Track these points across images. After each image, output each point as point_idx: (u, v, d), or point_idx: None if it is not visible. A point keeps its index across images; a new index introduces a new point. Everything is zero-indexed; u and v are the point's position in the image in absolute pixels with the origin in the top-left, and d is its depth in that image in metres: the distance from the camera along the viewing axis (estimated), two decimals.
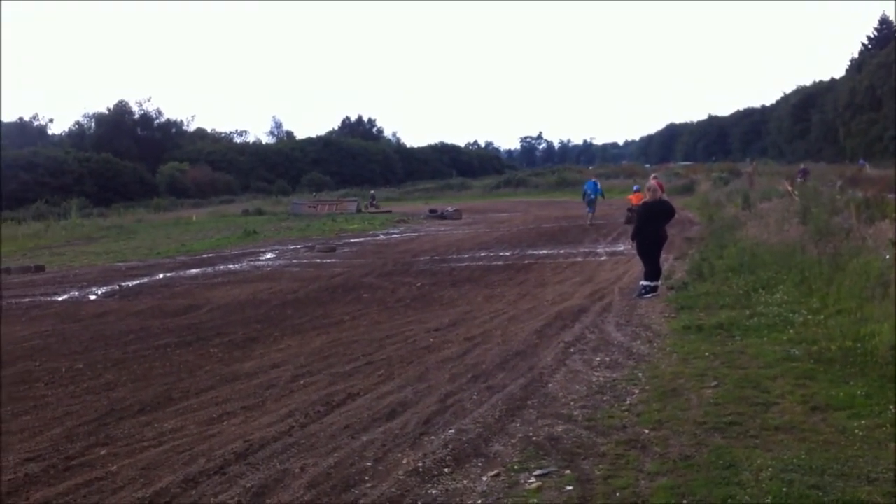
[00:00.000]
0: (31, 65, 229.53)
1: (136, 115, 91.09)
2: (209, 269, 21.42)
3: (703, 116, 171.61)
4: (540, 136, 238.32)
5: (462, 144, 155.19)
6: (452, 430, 6.78)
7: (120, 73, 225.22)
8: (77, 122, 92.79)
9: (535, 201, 54.34)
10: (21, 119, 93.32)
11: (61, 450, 6.87)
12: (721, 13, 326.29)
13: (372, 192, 58.61)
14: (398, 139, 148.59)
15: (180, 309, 14.67)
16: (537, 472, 5.73)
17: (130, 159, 77.82)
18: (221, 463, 6.25)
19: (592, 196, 31.08)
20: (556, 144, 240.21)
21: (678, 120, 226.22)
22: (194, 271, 21.11)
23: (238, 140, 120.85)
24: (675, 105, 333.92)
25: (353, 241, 29.40)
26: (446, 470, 5.89)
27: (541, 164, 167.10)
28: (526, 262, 19.87)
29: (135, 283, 19.01)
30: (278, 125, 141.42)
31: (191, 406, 8.09)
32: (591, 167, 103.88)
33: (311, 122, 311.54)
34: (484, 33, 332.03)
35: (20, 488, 5.98)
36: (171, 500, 5.60)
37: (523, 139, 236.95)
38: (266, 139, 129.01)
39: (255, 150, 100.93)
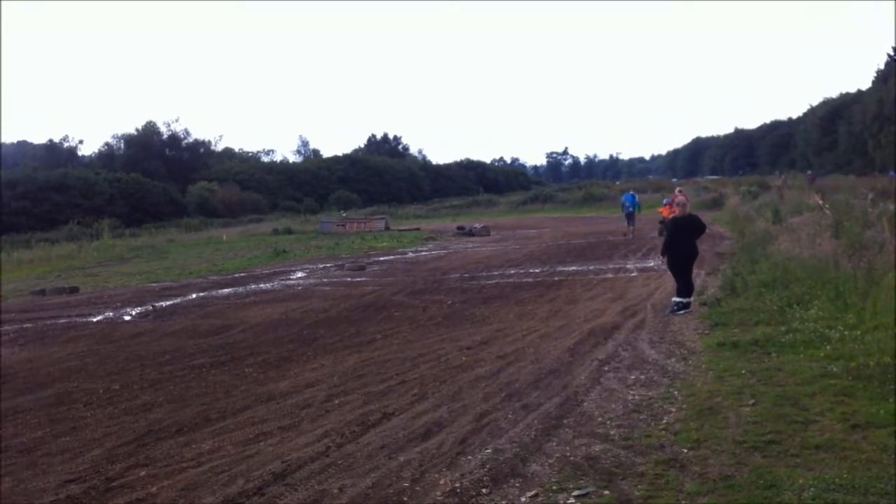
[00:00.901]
0: (62, 87, 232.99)
1: (165, 136, 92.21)
2: (241, 289, 21.58)
3: (730, 130, 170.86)
4: (566, 152, 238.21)
5: (488, 161, 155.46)
6: (489, 450, 6.77)
7: (148, 94, 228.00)
8: (106, 143, 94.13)
9: (563, 217, 54.26)
10: (51, 141, 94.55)
11: (101, 471, 6.94)
12: (746, 26, 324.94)
13: (343, 213, 58.03)
14: (424, 156, 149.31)
15: (214, 329, 14.78)
16: (576, 493, 5.70)
17: (159, 179, 78.74)
18: (260, 484, 6.29)
19: (631, 209, 31.43)
20: (583, 160, 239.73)
21: (704, 133, 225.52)
22: (226, 291, 21.27)
23: (265, 159, 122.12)
24: (701, 119, 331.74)
25: (382, 259, 29.50)
26: (484, 490, 5.89)
27: (567, 180, 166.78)
28: (556, 278, 19.83)
29: (168, 303, 19.19)
30: (305, 144, 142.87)
31: (228, 426, 8.15)
32: (618, 182, 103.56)
33: (338, 141, 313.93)
34: (508, 50, 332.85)
35: None
36: None
37: (549, 155, 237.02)
38: (293, 158, 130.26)
39: (283, 169, 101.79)
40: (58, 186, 67.81)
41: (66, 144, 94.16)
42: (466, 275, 21.99)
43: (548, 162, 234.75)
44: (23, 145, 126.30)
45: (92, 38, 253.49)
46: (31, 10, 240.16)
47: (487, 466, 6.36)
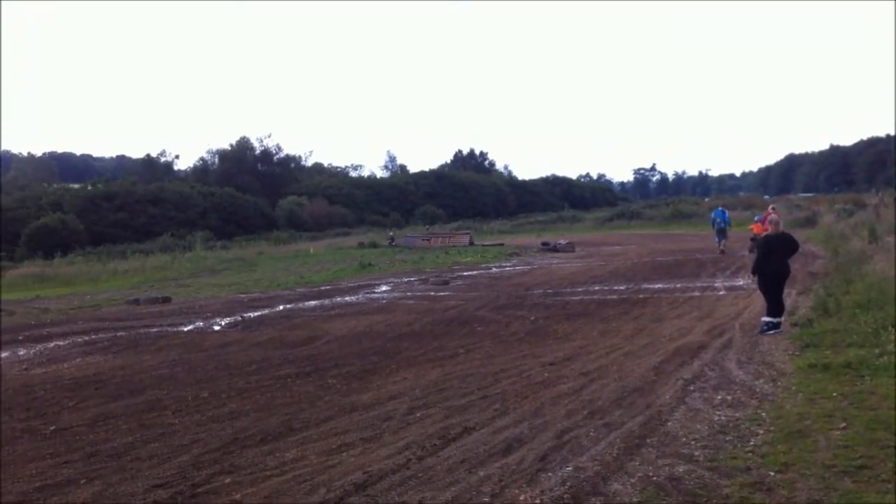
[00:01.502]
0: (160, 104, 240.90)
1: (258, 151, 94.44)
2: (327, 301, 21.89)
3: (825, 146, 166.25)
4: (654, 168, 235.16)
5: (574, 177, 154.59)
6: (570, 468, 6.71)
7: (242, 110, 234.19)
8: (201, 158, 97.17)
9: (650, 234, 53.56)
10: (149, 156, 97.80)
11: (188, 477, 7.10)
12: (841, 39, 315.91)
13: (391, 233, 57.99)
14: (510, 172, 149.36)
15: (300, 340, 15.03)
16: None
17: (251, 193, 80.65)
18: (341, 494, 6.35)
19: (722, 225, 31.01)
20: (671, 176, 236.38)
21: (798, 150, 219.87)
22: (313, 303, 21.61)
23: (353, 174, 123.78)
24: (795, 135, 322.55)
25: (465, 273, 29.56)
26: None
27: (655, 196, 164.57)
28: (641, 296, 19.57)
29: (256, 314, 19.60)
30: (392, 159, 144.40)
31: (311, 436, 8.26)
32: (707, 199, 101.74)
33: (425, 156, 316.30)
34: (595, 65, 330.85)
35: None
36: None
37: (636, 171, 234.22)
38: (380, 173, 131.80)
39: (370, 184, 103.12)
40: (154, 199, 70.17)
41: (162, 159, 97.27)
42: (550, 291, 21.87)
43: (635, 178, 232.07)
44: (122, 160, 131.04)
45: (189, 56, 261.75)
46: (131, 32, 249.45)
47: (568, 484, 6.30)
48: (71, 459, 7.79)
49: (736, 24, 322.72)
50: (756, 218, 29.93)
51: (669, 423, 7.95)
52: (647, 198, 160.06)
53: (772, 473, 6.27)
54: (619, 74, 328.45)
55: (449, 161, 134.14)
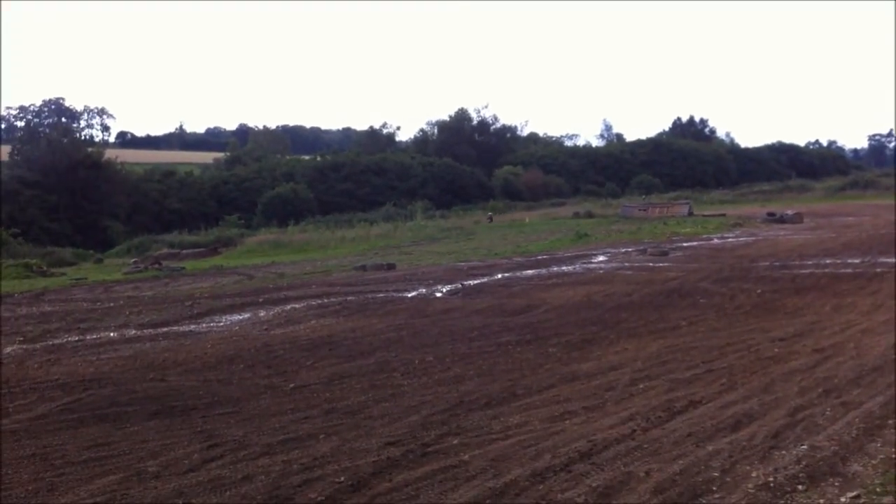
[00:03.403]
0: (383, 77, 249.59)
1: (475, 122, 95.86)
2: (543, 271, 22.00)
3: None
4: (891, 134, 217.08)
5: (802, 144, 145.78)
6: (805, 446, 6.44)
7: (460, 82, 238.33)
8: (421, 130, 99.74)
9: (887, 204, 49.79)
10: (372, 127, 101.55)
11: (418, 437, 7.38)
12: None
13: (489, 213, 55.76)
14: (732, 139, 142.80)
15: (518, 308, 15.21)
16: None
17: (469, 164, 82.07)
18: (566, 461, 6.42)
19: None
20: None
21: None
22: (530, 272, 21.78)
23: (569, 144, 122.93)
24: None
25: (685, 244, 28.79)
26: (800, 487, 5.62)
27: (892, 164, 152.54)
28: (878, 270, 18.32)
29: (475, 282, 19.99)
30: (608, 128, 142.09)
31: (534, 403, 8.38)
32: None
33: (642, 124, 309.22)
34: (825, 20, 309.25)
35: (383, 470, 6.48)
36: (521, 492, 5.83)
37: (872, 137, 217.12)
38: (596, 142, 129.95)
39: (586, 154, 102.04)
40: (377, 170, 73.15)
41: (385, 131, 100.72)
42: (777, 263, 20.91)
43: (870, 145, 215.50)
44: (347, 131, 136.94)
45: (409, 31, 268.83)
46: (352, 13, 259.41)
47: (803, 463, 6.06)
48: (310, 415, 8.29)
49: None
50: None
51: None
52: (883, 166, 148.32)
53: None
54: (851, 30, 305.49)
55: (667, 129, 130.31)
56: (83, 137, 76.19)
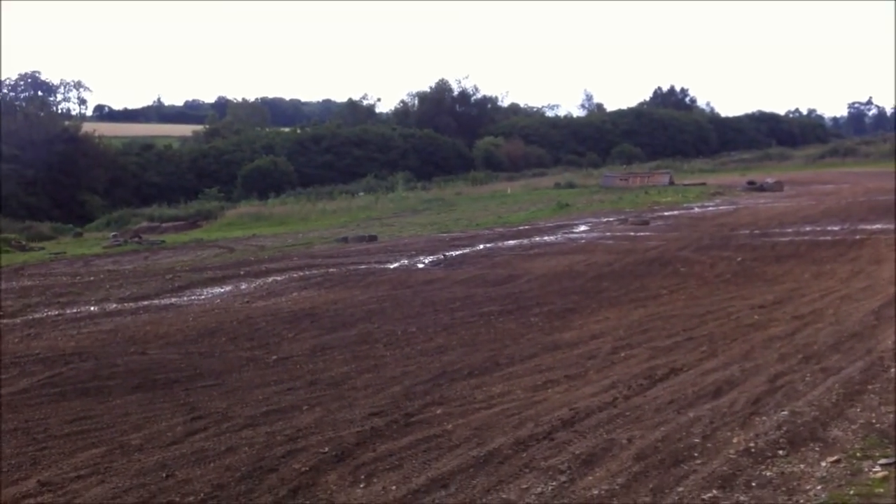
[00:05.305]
0: (361, 48, 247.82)
1: (455, 93, 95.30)
2: (525, 241, 22.03)
3: None
4: (870, 102, 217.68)
5: (782, 112, 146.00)
6: (785, 412, 6.51)
7: (440, 53, 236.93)
8: (402, 101, 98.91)
9: (865, 172, 50.12)
10: (352, 99, 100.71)
11: (401, 407, 7.41)
12: None
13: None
14: (712, 108, 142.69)
15: (501, 279, 15.24)
16: (882, 461, 5.37)
17: (450, 135, 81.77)
18: (549, 429, 6.46)
19: None
20: (889, 110, 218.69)
21: None
22: (511, 242, 21.81)
23: (549, 114, 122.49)
24: None
25: (666, 213, 28.89)
26: (781, 452, 5.68)
27: (871, 132, 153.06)
28: (857, 237, 18.47)
29: (457, 252, 20.00)
30: (589, 98, 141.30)
31: (516, 372, 8.43)
32: None
33: (622, 94, 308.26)
34: None
35: (367, 440, 6.49)
36: (504, 461, 5.87)
37: (851, 105, 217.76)
38: (577, 112, 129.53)
39: (567, 124, 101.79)
40: (357, 141, 72.73)
41: (365, 102, 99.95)
42: (757, 231, 21.04)
43: (849, 113, 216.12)
44: (327, 103, 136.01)
45: (386, 4, 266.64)
46: None
47: (784, 428, 6.12)
48: (293, 387, 8.29)
49: None
50: None
51: (893, 370, 7.53)
52: (863, 134, 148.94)
53: None
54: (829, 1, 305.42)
55: (648, 99, 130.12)
56: (60, 111, 75.57)
